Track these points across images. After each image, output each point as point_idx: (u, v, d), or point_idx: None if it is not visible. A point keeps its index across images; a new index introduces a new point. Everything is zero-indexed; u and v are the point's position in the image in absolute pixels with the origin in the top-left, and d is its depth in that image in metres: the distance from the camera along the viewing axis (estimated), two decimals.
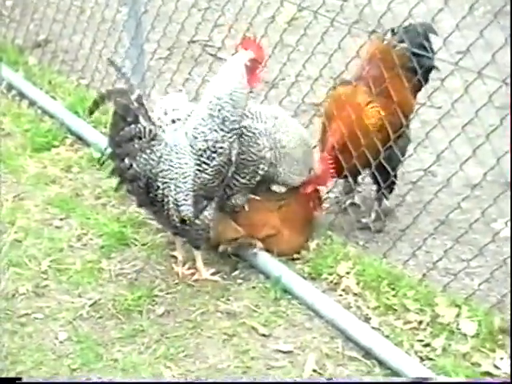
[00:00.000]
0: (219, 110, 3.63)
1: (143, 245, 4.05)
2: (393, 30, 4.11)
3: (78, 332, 3.54)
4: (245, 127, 3.76)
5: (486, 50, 3.40)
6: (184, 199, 3.66)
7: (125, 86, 3.79)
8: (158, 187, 3.66)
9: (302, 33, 4.20)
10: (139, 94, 3.68)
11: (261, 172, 3.83)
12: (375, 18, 3.95)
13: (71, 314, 3.63)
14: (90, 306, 3.68)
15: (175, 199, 3.66)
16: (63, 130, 5.02)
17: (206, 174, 3.65)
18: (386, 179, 3.99)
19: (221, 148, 3.64)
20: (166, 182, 3.65)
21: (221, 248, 3.93)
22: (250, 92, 3.78)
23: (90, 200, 4.43)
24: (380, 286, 3.65)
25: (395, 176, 4.02)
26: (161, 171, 3.65)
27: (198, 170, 3.65)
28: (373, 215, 4.13)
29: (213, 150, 3.64)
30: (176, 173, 3.65)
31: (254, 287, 3.78)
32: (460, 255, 3.91)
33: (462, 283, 3.69)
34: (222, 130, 3.64)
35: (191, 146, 3.65)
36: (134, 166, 3.64)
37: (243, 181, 3.82)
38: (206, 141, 3.64)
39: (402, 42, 4.02)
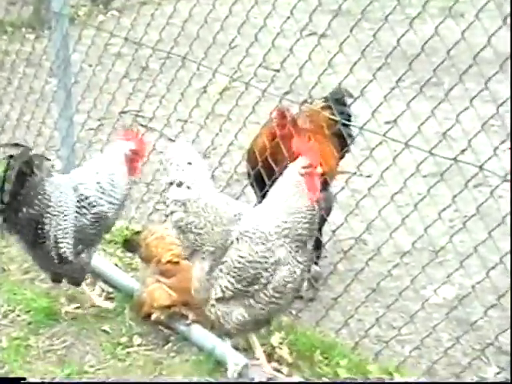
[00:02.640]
0: (100, 189, 4.06)
1: (73, 319, 4.18)
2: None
3: None
4: None
5: (413, 119, 3.68)
6: (63, 237, 3.99)
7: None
8: (44, 224, 4.00)
9: (233, 103, 4.44)
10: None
11: None
12: (306, 88, 4.23)
13: None
14: None
15: (55, 235, 3.98)
16: None
17: (86, 219, 4.02)
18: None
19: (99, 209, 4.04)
20: (49, 218, 3.99)
21: (153, 316, 4.09)
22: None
23: (17, 275, 4.56)
24: (313, 355, 3.85)
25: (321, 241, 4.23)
26: (47, 207, 3.99)
27: (78, 213, 4.01)
28: (304, 284, 4.34)
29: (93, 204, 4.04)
30: (58, 211, 3.99)
31: (187, 360, 3.92)
32: (391, 322, 4.13)
33: (393, 351, 3.90)
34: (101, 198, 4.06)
35: (74, 190, 4.04)
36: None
37: None
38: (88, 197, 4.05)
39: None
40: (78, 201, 4.02)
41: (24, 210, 3.97)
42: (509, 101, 3.43)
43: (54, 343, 4.04)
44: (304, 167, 3.49)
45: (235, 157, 4.73)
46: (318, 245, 4.21)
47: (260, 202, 4.17)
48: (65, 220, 4.00)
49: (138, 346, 4.02)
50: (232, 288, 3.50)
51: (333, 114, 4.24)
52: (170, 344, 4.03)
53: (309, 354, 3.86)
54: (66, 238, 4.00)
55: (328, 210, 4.24)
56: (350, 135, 4.40)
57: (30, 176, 3.98)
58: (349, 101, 4.42)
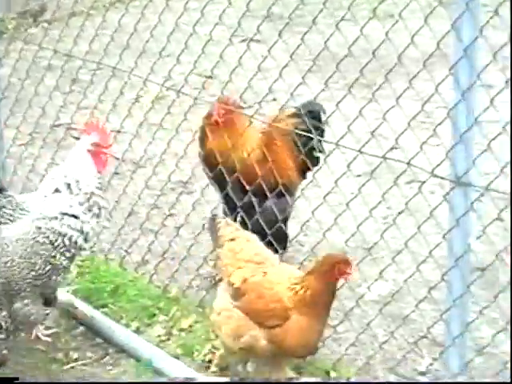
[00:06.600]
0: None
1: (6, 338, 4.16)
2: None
3: None
4: None
5: (344, 120, 3.84)
6: None
7: None
8: None
9: (166, 111, 4.56)
10: None
11: None
12: (238, 94, 4.39)
13: None
14: None
15: None
16: None
17: None
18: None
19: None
20: None
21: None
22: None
23: None
24: None
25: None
26: None
27: None
28: None
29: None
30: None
31: (124, 371, 3.99)
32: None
33: (330, 349, 4.01)
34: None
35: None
36: None
37: None
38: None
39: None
40: None
41: None
42: (433, 98, 3.62)
43: None
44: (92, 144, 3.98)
45: (169, 165, 4.84)
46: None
47: (222, 198, 4.44)
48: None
49: (74, 361, 4.07)
50: None
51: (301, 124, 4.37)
52: (107, 357, 4.10)
53: None
54: None
55: (283, 217, 4.34)
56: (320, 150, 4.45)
57: None
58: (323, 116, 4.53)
